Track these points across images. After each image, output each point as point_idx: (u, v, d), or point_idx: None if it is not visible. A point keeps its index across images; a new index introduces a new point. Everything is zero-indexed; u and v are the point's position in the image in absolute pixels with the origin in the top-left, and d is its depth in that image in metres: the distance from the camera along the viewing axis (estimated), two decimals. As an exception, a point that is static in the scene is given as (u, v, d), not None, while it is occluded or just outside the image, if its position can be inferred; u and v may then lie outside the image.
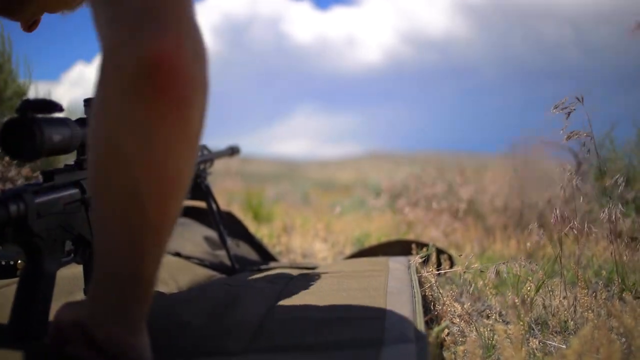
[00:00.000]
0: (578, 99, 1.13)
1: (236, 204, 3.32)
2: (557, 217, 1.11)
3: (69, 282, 0.89)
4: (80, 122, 0.75)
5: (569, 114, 1.13)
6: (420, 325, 0.72)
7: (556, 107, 1.14)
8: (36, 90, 2.13)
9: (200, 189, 1.29)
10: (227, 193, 3.64)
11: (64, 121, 0.68)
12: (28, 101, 0.59)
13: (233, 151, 1.47)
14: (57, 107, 0.62)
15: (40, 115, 0.62)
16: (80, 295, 0.83)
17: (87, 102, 0.81)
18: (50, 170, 0.69)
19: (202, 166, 1.27)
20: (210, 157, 1.30)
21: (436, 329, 0.76)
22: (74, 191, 0.72)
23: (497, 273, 1.05)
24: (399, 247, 1.42)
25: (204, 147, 1.29)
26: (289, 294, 0.92)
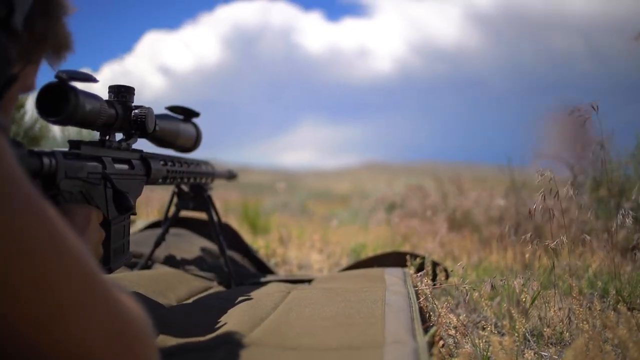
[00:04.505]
0: (593, 108, 1.13)
1: (232, 214, 3.32)
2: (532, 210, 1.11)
3: None
4: (108, 103, 0.80)
5: (584, 122, 1.14)
6: (419, 332, 0.73)
7: (572, 113, 1.14)
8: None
9: (202, 199, 1.30)
10: (223, 203, 3.64)
11: (95, 96, 0.73)
12: (65, 70, 0.64)
13: (230, 175, 1.50)
14: (92, 78, 0.67)
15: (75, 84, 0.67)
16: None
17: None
18: (77, 140, 0.73)
19: (204, 179, 1.28)
20: (212, 172, 1.31)
21: (428, 333, 0.77)
22: (96, 164, 0.75)
23: (493, 287, 1.05)
24: (394, 259, 1.42)
25: (208, 163, 1.31)
26: (288, 306, 0.93)
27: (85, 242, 0.66)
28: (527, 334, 1.03)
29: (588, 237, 1.20)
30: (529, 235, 1.18)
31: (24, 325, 0.35)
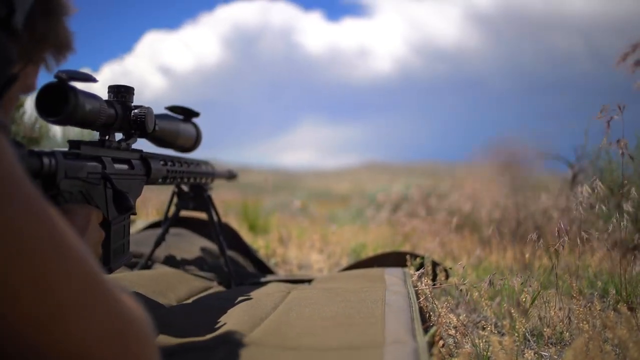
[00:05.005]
0: (620, 108, 1.14)
1: (232, 214, 3.32)
2: (558, 227, 1.12)
3: None
4: (108, 103, 0.80)
5: (608, 122, 1.14)
6: (419, 332, 0.73)
7: (601, 111, 1.15)
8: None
9: (202, 199, 1.30)
10: (223, 203, 3.64)
11: (95, 96, 0.74)
12: (65, 70, 0.64)
13: (230, 175, 1.50)
14: (92, 78, 0.67)
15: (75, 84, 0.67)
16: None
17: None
18: (77, 140, 0.73)
19: (204, 179, 1.28)
20: (212, 172, 1.31)
21: (428, 333, 0.77)
22: (96, 164, 0.75)
23: (491, 283, 1.05)
24: (394, 259, 1.42)
25: (208, 163, 1.31)
26: (288, 306, 0.93)
27: (85, 242, 0.66)
28: (527, 334, 1.03)
29: (587, 235, 1.20)
30: (534, 234, 1.18)
31: (24, 325, 0.35)
